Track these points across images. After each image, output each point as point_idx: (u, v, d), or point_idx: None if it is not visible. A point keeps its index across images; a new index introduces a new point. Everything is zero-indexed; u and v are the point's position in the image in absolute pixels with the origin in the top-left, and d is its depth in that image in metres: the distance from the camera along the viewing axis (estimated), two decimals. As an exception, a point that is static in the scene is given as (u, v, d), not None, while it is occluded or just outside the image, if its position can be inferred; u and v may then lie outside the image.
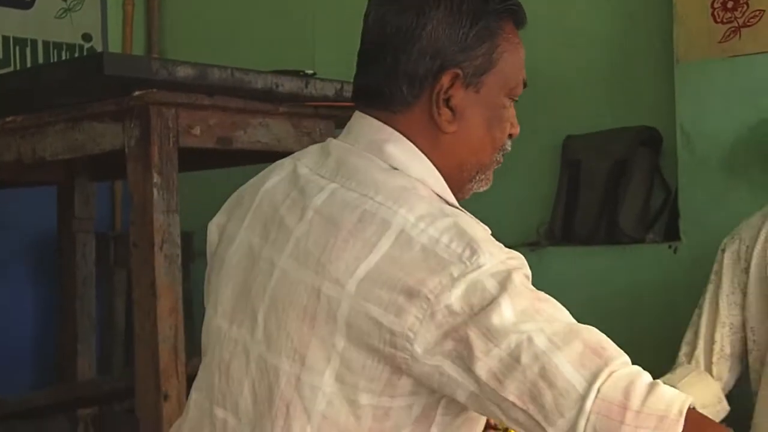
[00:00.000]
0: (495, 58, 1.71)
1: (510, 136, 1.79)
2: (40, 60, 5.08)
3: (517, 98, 1.79)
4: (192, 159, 2.93)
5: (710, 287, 2.97)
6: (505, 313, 1.41)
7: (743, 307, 2.87)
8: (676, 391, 1.41)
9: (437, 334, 1.44)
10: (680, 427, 1.39)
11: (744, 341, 2.88)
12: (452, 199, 1.64)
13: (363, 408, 1.49)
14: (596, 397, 1.37)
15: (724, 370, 2.88)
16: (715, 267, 2.97)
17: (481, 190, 1.79)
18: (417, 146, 1.66)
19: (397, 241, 1.49)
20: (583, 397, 1.38)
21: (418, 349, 1.44)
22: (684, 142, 3.73)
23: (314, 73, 3.01)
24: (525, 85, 1.79)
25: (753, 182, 3.40)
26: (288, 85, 2.91)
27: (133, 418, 2.72)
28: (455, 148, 1.69)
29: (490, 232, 1.59)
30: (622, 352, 1.46)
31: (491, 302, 1.42)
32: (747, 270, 2.88)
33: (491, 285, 1.44)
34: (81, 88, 2.71)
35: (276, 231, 1.63)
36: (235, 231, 1.72)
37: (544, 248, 4.23)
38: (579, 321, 4.22)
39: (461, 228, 1.50)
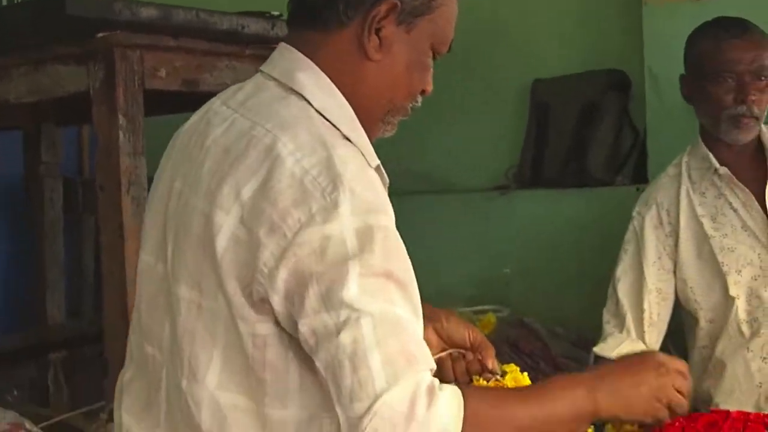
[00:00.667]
0: (433, 6, 1.73)
1: (423, 92, 1.78)
2: (3, 2, 5.00)
3: (438, 56, 1.78)
4: (157, 103, 2.90)
5: (627, 256, 2.98)
6: (350, 285, 1.42)
7: (673, 272, 2.90)
8: (454, 396, 1.44)
9: (285, 271, 1.45)
10: None
11: (669, 306, 2.91)
12: (355, 133, 1.63)
13: (246, 335, 1.51)
14: (385, 401, 1.40)
15: (655, 336, 2.91)
16: (629, 235, 2.99)
17: (386, 135, 1.78)
18: (338, 71, 1.67)
19: (273, 168, 1.50)
20: (377, 396, 1.40)
21: (270, 283, 1.46)
22: (652, 85, 3.73)
23: (280, 15, 2.98)
24: (450, 49, 1.79)
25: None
26: (254, 26, 2.89)
27: (102, 362, 2.72)
28: (375, 79, 1.69)
29: (379, 178, 1.58)
30: (429, 360, 1.47)
31: (342, 265, 1.43)
32: (673, 234, 2.90)
33: (350, 243, 1.44)
34: (44, 29, 2.67)
35: (185, 164, 1.67)
36: (161, 171, 1.76)
37: (513, 191, 4.24)
38: (548, 264, 4.22)
39: (333, 162, 1.49)
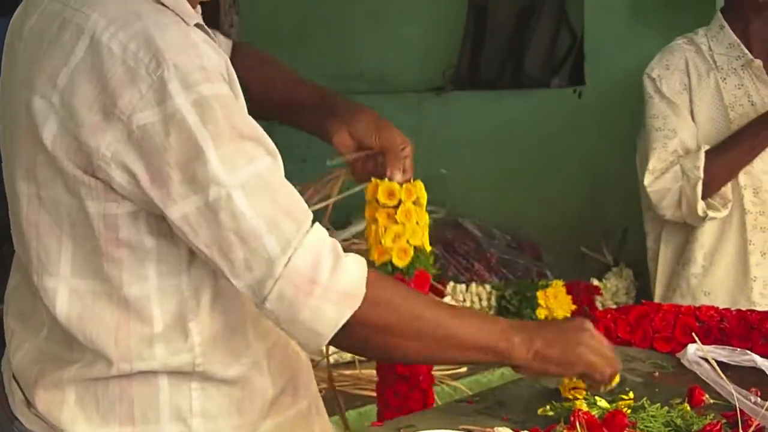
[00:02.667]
0: None
1: None
2: None
3: None
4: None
5: (660, 112, 2.88)
6: (209, 161, 1.39)
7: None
8: (358, 263, 1.44)
9: (132, 155, 1.41)
10: (359, 302, 1.42)
11: None
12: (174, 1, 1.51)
13: (96, 216, 1.47)
14: (287, 264, 1.39)
15: None
16: (651, 93, 2.89)
17: None
18: None
19: (90, 47, 1.43)
20: (274, 262, 1.39)
21: (115, 167, 1.41)
22: (590, -14, 3.72)
23: None
24: None
25: (656, 26, 3.41)
26: None
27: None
28: None
29: (204, 36, 1.48)
30: (307, 211, 1.45)
31: (193, 144, 1.39)
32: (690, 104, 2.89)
33: (192, 119, 1.39)
34: None
35: (8, 58, 1.59)
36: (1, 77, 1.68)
37: (450, 93, 4.22)
38: (485, 165, 4.24)
39: (150, 34, 1.42)
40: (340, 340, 1.45)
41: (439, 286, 3.00)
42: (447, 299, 3.11)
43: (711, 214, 2.74)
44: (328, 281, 1.41)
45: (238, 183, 1.41)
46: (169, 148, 1.40)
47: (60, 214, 1.50)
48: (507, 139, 4.04)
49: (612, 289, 3.31)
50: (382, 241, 1.70)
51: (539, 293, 3.20)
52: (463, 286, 3.28)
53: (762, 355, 1.70)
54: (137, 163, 1.42)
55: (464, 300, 3.20)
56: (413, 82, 4.37)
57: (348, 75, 4.52)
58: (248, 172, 1.42)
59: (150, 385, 1.50)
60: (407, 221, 1.70)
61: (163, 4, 1.48)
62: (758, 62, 2.82)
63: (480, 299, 3.22)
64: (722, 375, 1.31)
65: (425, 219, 1.74)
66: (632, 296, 3.28)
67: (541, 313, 3.17)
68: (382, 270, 1.70)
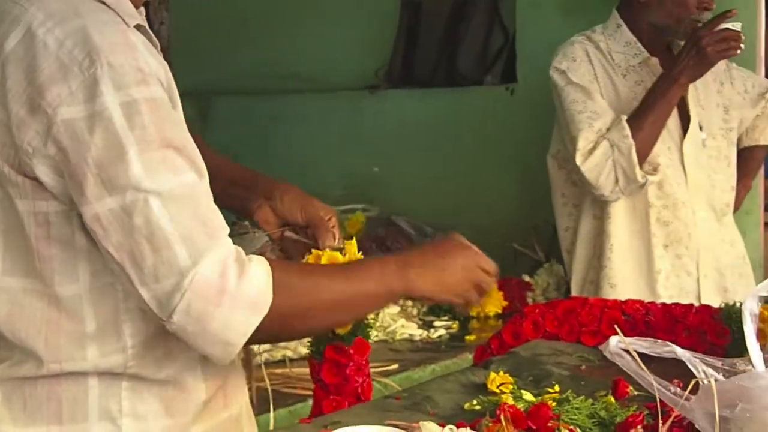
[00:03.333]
0: None
1: None
2: None
3: None
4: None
5: (578, 97, 2.90)
6: (130, 164, 1.38)
7: None
8: (262, 267, 1.43)
9: (53, 150, 1.40)
10: (267, 307, 1.42)
11: None
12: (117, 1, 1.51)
13: (26, 215, 1.46)
14: (195, 277, 1.38)
15: None
16: (563, 84, 2.92)
17: None
18: None
19: (23, 39, 1.42)
20: (184, 273, 1.38)
21: (39, 163, 1.40)
22: (522, -16, 3.74)
23: None
24: None
25: (588, 24, 3.42)
26: None
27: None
28: None
29: (145, 38, 1.48)
30: (224, 225, 1.46)
31: (117, 145, 1.38)
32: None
33: (119, 121, 1.39)
34: None
35: None
36: None
37: (383, 91, 4.23)
38: (418, 163, 4.23)
39: (88, 32, 1.41)
40: (250, 341, 1.44)
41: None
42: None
43: (650, 178, 2.78)
44: (235, 290, 1.40)
45: (158, 190, 1.39)
46: (91, 146, 1.39)
47: None
48: (440, 137, 4.05)
49: (543, 285, 3.34)
50: None
51: (471, 290, 3.21)
52: (396, 283, 3.27)
53: (686, 347, 1.72)
54: (57, 158, 1.40)
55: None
56: (348, 81, 4.36)
57: (282, 74, 4.51)
58: (170, 182, 1.40)
59: (79, 384, 1.49)
60: None
61: (104, 3, 1.48)
62: (654, 60, 2.90)
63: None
64: (642, 366, 1.33)
65: None
66: (562, 291, 3.31)
67: (473, 310, 3.19)
68: (323, 342, 1.72)
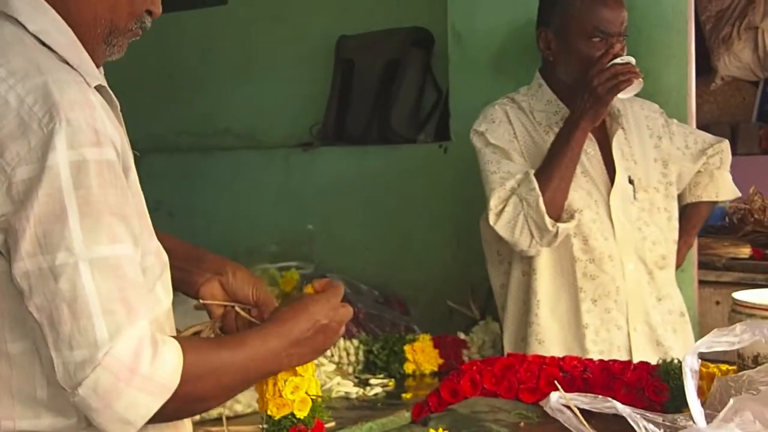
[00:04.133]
0: None
1: (150, 12, 1.69)
2: None
3: None
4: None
5: (493, 158, 2.93)
6: (67, 226, 1.38)
7: None
8: (174, 351, 1.45)
9: (9, 208, 1.40)
10: (172, 391, 1.43)
11: None
12: (74, 54, 1.54)
13: None
14: (110, 352, 1.38)
15: None
16: (484, 151, 2.95)
17: (114, 58, 1.69)
18: None
19: None
20: (99, 346, 1.38)
21: None
22: (455, 42, 3.76)
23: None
24: None
25: (521, 82, 3.47)
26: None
27: None
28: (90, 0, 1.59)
29: (104, 99, 1.51)
30: (147, 307, 1.46)
31: (59, 205, 1.38)
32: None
33: (65, 180, 1.38)
34: None
35: None
36: None
37: (316, 149, 4.23)
38: (352, 221, 4.22)
39: (49, 89, 1.42)
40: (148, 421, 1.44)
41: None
42: (315, 354, 3.08)
43: (562, 226, 2.80)
44: (147, 371, 1.40)
45: (90, 258, 1.39)
46: (35, 202, 1.38)
47: None
48: (373, 194, 4.05)
49: (479, 342, 3.33)
50: (283, 394, 1.71)
51: (407, 347, 3.20)
52: (331, 341, 3.25)
53: (625, 404, 1.72)
54: (8, 216, 1.40)
55: (332, 354, 3.17)
56: (281, 138, 4.36)
57: (215, 130, 4.50)
58: (104, 251, 1.40)
59: None
60: (305, 372, 1.72)
61: (67, 63, 1.48)
62: None
63: (348, 354, 3.20)
64: (584, 421, 1.32)
65: (313, 368, 1.76)
66: (498, 349, 3.30)
67: (408, 368, 3.17)
68: (283, 425, 1.72)
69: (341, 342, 3.24)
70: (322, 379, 2.96)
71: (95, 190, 1.40)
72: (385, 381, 3.09)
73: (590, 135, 2.91)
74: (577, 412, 1.33)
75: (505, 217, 2.82)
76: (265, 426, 1.74)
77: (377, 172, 4.07)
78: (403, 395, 2.97)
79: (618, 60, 2.79)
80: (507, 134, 2.96)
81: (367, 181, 4.06)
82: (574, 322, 2.94)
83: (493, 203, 2.84)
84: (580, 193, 2.91)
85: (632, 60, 2.80)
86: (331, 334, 1.69)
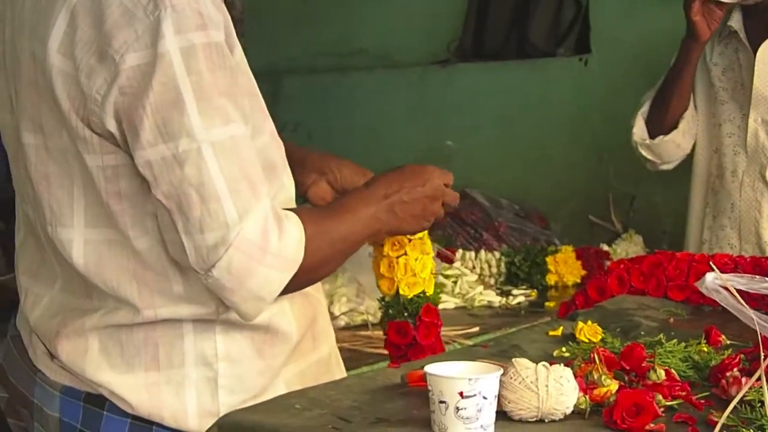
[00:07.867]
0: None
1: None
2: None
3: None
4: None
5: None
6: (185, 112, 1.38)
7: None
8: (296, 226, 1.45)
9: (116, 95, 1.40)
10: (298, 265, 1.45)
11: None
12: None
13: (95, 170, 1.46)
14: (240, 233, 1.40)
15: None
16: None
17: None
18: None
19: None
20: (230, 227, 1.39)
21: (104, 111, 1.41)
22: (595, -46, 3.69)
23: None
24: None
25: (662, -7, 3.39)
26: None
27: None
28: None
29: None
30: (263, 180, 1.46)
31: (174, 91, 1.38)
32: None
33: (178, 66, 1.38)
34: None
35: (9, 9, 1.58)
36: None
37: (454, 65, 4.20)
38: (491, 136, 4.20)
39: None
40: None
41: (449, 254, 2.98)
42: (457, 265, 3.10)
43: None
44: (276, 248, 1.42)
45: (211, 140, 1.40)
46: (150, 92, 1.39)
47: (69, 165, 1.50)
48: (513, 110, 4.02)
49: (622, 254, 3.29)
50: (416, 272, 1.72)
51: (549, 259, 3.19)
52: (473, 253, 3.26)
53: (778, 299, 1.68)
54: (122, 106, 1.40)
55: (474, 267, 3.18)
56: (416, 56, 4.34)
57: (350, 50, 4.50)
58: (223, 132, 1.41)
59: (175, 329, 1.51)
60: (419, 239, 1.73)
61: None
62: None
63: (489, 266, 3.21)
64: (741, 301, 1.29)
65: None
66: (642, 260, 3.26)
67: (551, 279, 3.16)
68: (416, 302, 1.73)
69: (483, 254, 3.25)
70: (464, 288, 2.97)
71: (206, 74, 1.40)
72: (528, 291, 3.08)
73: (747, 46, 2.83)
74: (734, 291, 1.30)
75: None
76: (390, 307, 1.74)
77: (516, 87, 4.03)
78: (546, 304, 2.97)
79: None
80: None
81: (506, 95, 4.03)
82: (698, 239, 2.91)
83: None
84: (725, 108, 2.87)
85: None
86: (431, 206, 1.68)
